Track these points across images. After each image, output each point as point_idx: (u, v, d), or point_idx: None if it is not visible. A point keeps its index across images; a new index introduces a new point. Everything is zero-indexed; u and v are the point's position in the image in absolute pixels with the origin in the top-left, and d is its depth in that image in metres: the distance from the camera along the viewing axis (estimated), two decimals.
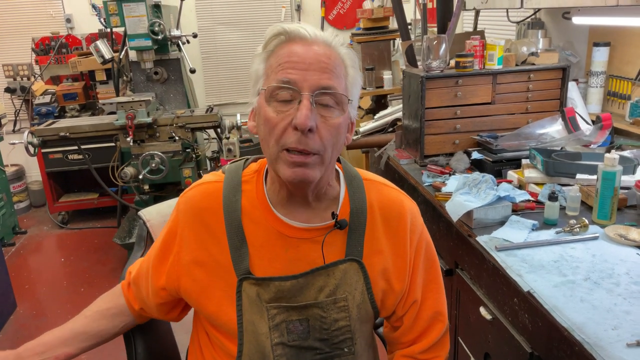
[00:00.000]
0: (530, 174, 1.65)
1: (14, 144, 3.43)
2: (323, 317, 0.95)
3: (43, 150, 4.04)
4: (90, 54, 4.00)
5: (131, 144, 3.32)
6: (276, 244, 0.96)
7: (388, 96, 3.17)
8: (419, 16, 3.41)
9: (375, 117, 2.69)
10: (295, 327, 0.95)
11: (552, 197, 1.41)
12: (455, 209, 1.49)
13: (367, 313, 0.99)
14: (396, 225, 1.01)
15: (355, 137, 2.53)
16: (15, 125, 4.67)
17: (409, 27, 2.63)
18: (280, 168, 0.88)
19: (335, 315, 0.96)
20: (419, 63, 2.16)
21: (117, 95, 3.95)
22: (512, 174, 1.72)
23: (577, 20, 2.14)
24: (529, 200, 1.53)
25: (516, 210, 1.49)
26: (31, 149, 3.24)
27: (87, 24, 4.71)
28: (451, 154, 1.95)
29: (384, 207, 1.01)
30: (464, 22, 3.47)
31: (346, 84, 0.91)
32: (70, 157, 4.17)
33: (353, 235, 0.97)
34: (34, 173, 4.77)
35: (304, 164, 0.86)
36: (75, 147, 3.76)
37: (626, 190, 1.49)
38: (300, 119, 0.83)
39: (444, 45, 1.91)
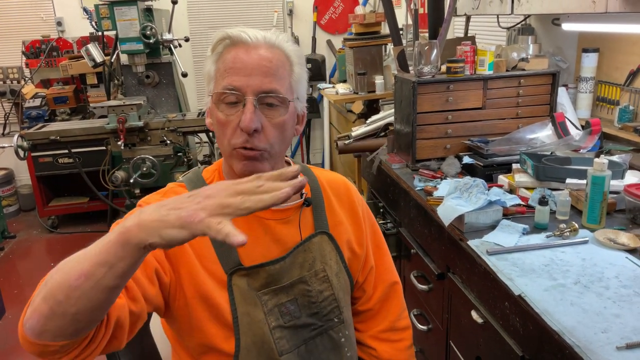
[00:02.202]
0: (520, 178, 1.67)
1: (3, 147, 3.41)
2: (309, 291, 1.03)
3: (33, 154, 4.01)
4: (81, 57, 3.98)
5: (122, 147, 3.31)
6: (256, 229, 1.00)
7: (380, 101, 3.19)
8: (410, 22, 3.43)
9: (367, 121, 2.70)
10: (287, 308, 1.00)
11: (543, 201, 1.42)
12: (446, 213, 1.50)
13: (345, 282, 1.10)
14: (346, 199, 1.15)
15: (347, 142, 2.53)
16: (4, 128, 4.64)
17: (401, 32, 2.65)
18: (234, 163, 0.97)
19: (319, 286, 1.04)
20: (410, 68, 2.18)
21: (108, 99, 3.94)
22: (502, 179, 1.73)
23: (566, 26, 2.16)
24: (519, 205, 1.54)
25: (507, 214, 1.50)
26: (21, 153, 3.22)
27: (78, 27, 4.70)
28: (442, 159, 1.97)
29: (331, 185, 1.14)
30: (454, 28, 3.50)
31: (291, 82, 0.97)
32: (60, 160, 4.15)
33: (317, 211, 1.08)
34: (24, 177, 4.73)
35: (254, 157, 0.95)
36: (66, 151, 3.74)
37: (615, 195, 1.50)
38: (245, 122, 0.92)
39: (435, 51, 1.92)
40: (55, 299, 0.70)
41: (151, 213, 0.68)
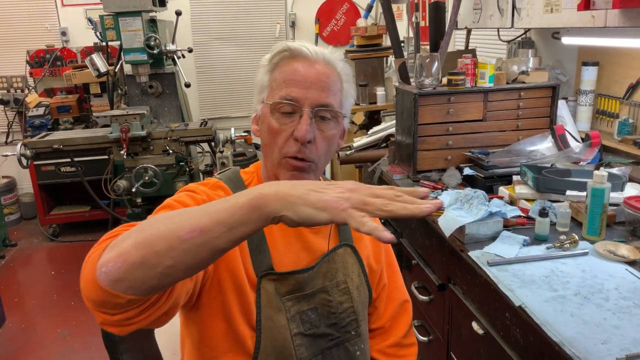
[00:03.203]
0: (521, 190, 1.68)
1: (6, 155, 3.43)
2: (329, 301, 1.04)
3: (35, 163, 4.02)
4: (85, 67, 4.01)
5: (125, 157, 3.33)
6: (290, 235, 1.02)
7: (381, 112, 3.21)
8: (411, 34, 3.46)
9: (369, 132, 2.71)
10: (308, 316, 1.01)
11: (543, 213, 1.43)
12: (447, 224, 1.51)
13: (365, 295, 1.10)
14: None
15: (348, 152, 2.55)
16: (7, 137, 4.65)
17: (402, 44, 2.67)
18: (281, 172, 0.99)
19: (339, 297, 1.05)
20: (411, 80, 2.20)
21: (112, 109, 3.96)
22: (503, 190, 1.74)
23: (566, 40, 2.19)
24: (520, 216, 1.55)
25: (507, 225, 1.51)
26: (24, 161, 3.23)
27: (82, 37, 4.74)
28: (443, 170, 1.98)
29: None
30: (455, 41, 3.53)
31: (341, 98, 1.02)
32: (62, 169, 4.16)
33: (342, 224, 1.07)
34: (26, 185, 4.75)
35: (302, 169, 0.98)
36: (68, 160, 3.75)
37: (615, 207, 1.51)
38: (301, 132, 0.94)
39: (436, 63, 1.94)
40: (152, 248, 0.67)
41: (290, 188, 0.68)
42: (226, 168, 1.12)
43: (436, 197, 1.77)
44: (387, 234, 0.63)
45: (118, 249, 0.68)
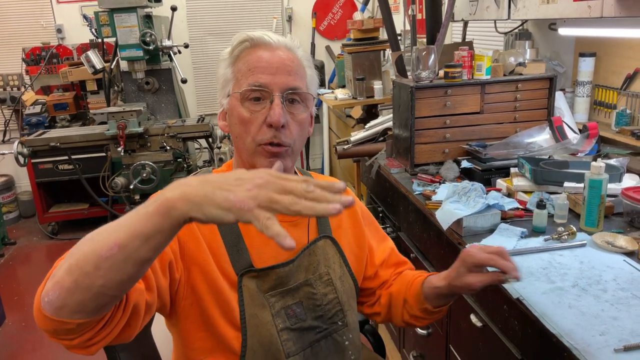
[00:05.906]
0: (518, 182, 1.67)
1: (3, 154, 3.42)
2: (314, 294, 1.04)
3: (33, 161, 4.02)
4: (81, 64, 4.00)
5: (122, 154, 3.32)
6: None
7: (378, 106, 3.20)
8: (408, 27, 3.45)
9: (366, 126, 2.71)
10: (293, 311, 1.01)
11: (541, 205, 1.43)
12: (445, 217, 1.50)
13: (349, 286, 1.11)
14: None
15: (346, 147, 2.54)
16: (4, 135, 4.64)
17: (399, 38, 2.67)
18: (257, 161, 0.99)
19: (323, 289, 1.05)
20: (408, 73, 2.19)
21: (108, 106, 3.96)
22: (501, 183, 1.74)
23: (563, 31, 2.18)
24: (517, 208, 1.55)
25: (505, 218, 1.50)
26: (21, 159, 3.23)
27: (78, 34, 4.72)
28: (441, 163, 1.97)
29: None
30: (452, 33, 3.52)
31: (307, 82, 1.03)
32: (60, 167, 4.15)
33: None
34: (24, 183, 4.74)
35: (278, 154, 0.98)
36: (66, 157, 3.75)
37: (613, 198, 1.51)
38: (274, 117, 0.94)
39: (433, 56, 1.93)
40: (82, 270, 0.68)
41: (196, 187, 0.66)
42: (201, 170, 1.12)
43: (434, 191, 1.77)
44: (288, 241, 0.61)
45: (55, 278, 0.70)
